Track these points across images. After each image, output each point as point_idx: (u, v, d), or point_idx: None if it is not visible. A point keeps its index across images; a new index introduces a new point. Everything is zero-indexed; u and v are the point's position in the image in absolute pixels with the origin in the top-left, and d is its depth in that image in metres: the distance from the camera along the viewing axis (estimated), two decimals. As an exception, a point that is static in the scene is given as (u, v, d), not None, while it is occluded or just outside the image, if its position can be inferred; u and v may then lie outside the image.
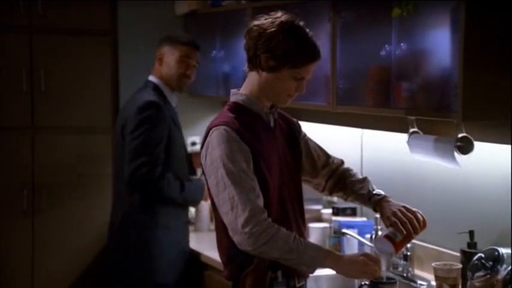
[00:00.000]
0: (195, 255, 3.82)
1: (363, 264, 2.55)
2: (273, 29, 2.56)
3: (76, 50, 4.51)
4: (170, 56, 3.70)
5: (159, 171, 3.54)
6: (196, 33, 4.59)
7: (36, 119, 4.44)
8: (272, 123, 2.71)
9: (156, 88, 3.70)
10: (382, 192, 2.79)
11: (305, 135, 2.89)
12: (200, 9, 4.55)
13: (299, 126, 2.88)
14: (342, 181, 2.87)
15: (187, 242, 3.82)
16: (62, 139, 4.50)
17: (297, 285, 2.67)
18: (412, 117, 3.18)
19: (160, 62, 3.72)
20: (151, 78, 3.76)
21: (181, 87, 3.76)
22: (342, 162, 2.93)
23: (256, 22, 2.62)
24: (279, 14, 2.61)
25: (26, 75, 4.39)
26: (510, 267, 2.69)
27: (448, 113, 2.76)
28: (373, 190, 2.80)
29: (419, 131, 3.21)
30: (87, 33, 4.52)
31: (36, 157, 4.45)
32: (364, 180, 2.85)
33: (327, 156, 2.92)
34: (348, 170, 2.89)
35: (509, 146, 2.88)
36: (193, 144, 4.53)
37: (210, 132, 2.59)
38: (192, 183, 3.75)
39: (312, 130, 4.14)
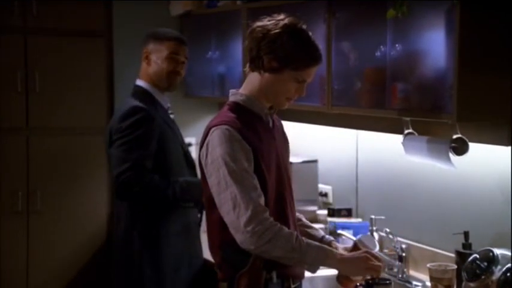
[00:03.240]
0: (209, 266, 3.60)
1: (366, 261, 2.56)
2: (277, 31, 2.58)
3: (71, 51, 4.50)
4: (157, 54, 3.57)
5: (144, 175, 3.42)
6: (192, 34, 4.58)
7: (30, 119, 4.44)
8: (271, 124, 2.72)
9: (144, 93, 3.60)
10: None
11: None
12: (195, 10, 4.55)
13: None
14: None
15: (197, 251, 3.66)
16: (56, 140, 4.50)
17: (292, 286, 2.68)
18: (407, 118, 3.18)
19: (147, 61, 3.59)
20: (139, 82, 3.61)
21: (172, 85, 3.62)
22: None
23: (259, 23, 2.63)
24: (282, 16, 2.62)
25: (20, 76, 4.39)
26: (505, 268, 2.69)
27: (443, 114, 2.77)
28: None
29: (414, 132, 3.22)
30: (82, 34, 4.51)
31: (30, 158, 4.44)
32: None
33: None
34: (301, 219, 2.90)
35: (504, 146, 2.89)
36: (189, 145, 4.52)
37: (211, 131, 2.59)
38: (190, 181, 3.57)
39: (307, 131, 4.16)
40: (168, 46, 3.57)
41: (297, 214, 2.88)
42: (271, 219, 2.52)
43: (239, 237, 2.51)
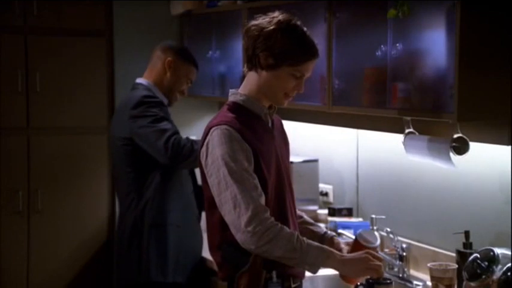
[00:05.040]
0: (202, 260, 3.79)
1: (366, 262, 2.56)
2: (271, 28, 2.58)
3: (71, 50, 4.50)
4: (179, 70, 3.76)
5: (183, 137, 3.61)
6: (192, 33, 4.59)
7: (31, 119, 4.44)
8: (270, 124, 2.72)
9: (147, 89, 3.71)
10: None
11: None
12: (196, 10, 4.55)
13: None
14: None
15: (198, 243, 3.79)
16: (57, 139, 4.50)
17: (292, 286, 2.67)
18: (408, 118, 3.18)
19: (169, 69, 3.74)
20: (141, 80, 3.77)
21: (173, 101, 3.81)
22: None
23: (254, 22, 2.63)
24: (276, 13, 2.63)
25: (21, 76, 4.39)
26: (505, 268, 2.69)
27: (444, 114, 2.77)
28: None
29: (415, 132, 3.21)
30: (83, 34, 4.52)
31: (31, 157, 4.44)
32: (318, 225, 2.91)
33: None
34: (302, 216, 2.90)
35: (504, 146, 2.89)
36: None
37: (211, 131, 2.59)
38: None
39: (308, 131, 4.16)
40: (189, 69, 3.81)
41: (299, 212, 2.88)
42: (272, 219, 2.51)
43: (240, 237, 2.51)
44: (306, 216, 2.91)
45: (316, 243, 2.59)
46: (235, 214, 2.50)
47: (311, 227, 2.86)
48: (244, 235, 2.49)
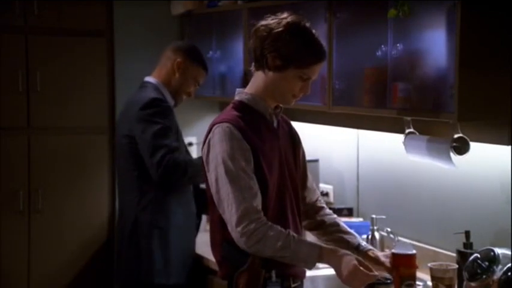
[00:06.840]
0: (198, 259, 3.80)
1: (354, 269, 2.51)
2: (280, 29, 2.59)
3: (72, 50, 4.50)
4: (188, 72, 3.76)
5: (181, 156, 3.59)
6: (193, 33, 4.58)
7: (32, 119, 4.44)
8: (275, 124, 2.72)
9: (156, 89, 3.73)
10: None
11: (303, 150, 2.89)
12: (196, 10, 4.55)
13: (299, 138, 2.87)
14: (329, 228, 2.87)
15: (194, 243, 3.82)
16: (58, 139, 4.50)
17: (292, 286, 2.68)
18: (408, 118, 3.18)
19: (177, 70, 3.74)
20: (150, 79, 3.78)
21: (179, 102, 3.82)
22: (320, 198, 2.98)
23: (263, 22, 2.64)
24: (285, 14, 2.64)
25: (21, 76, 4.39)
26: (506, 268, 2.69)
27: (444, 114, 2.77)
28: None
29: (415, 132, 3.21)
30: (83, 34, 4.52)
31: (32, 157, 4.44)
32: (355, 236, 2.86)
33: (311, 180, 2.95)
34: (338, 224, 2.88)
35: (504, 146, 2.89)
36: (190, 144, 4.52)
37: (213, 128, 2.60)
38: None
39: (308, 131, 4.16)
40: (198, 72, 3.79)
41: (335, 219, 2.87)
42: (263, 219, 2.52)
43: (233, 235, 2.53)
44: (342, 224, 2.87)
45: (308, 240, 2.60)
46: (229, 213, 2.52)
47: (345, 236, 2.82)
48: (236, 235, 2.52)
